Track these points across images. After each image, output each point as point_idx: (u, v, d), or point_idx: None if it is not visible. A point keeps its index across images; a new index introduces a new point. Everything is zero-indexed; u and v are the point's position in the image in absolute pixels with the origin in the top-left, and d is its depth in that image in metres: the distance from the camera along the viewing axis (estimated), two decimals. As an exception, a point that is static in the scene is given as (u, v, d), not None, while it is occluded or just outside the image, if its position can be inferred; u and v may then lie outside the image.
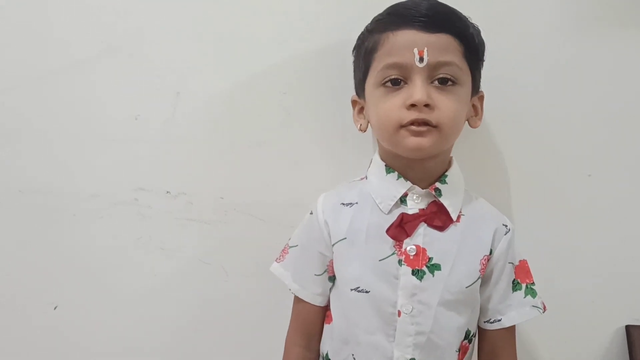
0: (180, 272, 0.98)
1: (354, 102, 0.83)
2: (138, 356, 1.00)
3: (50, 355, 1.00)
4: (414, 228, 0.76)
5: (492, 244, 0.79)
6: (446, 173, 0.79)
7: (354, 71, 0.82)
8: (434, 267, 0.76)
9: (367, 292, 0.77)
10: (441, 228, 0.77)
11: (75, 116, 0.96)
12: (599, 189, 0.96)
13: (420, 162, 0.77)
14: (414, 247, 0.76)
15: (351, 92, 0.84)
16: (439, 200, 0.77)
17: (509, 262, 0.80)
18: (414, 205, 0.78)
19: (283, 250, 0.86)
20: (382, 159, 0.81)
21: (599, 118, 0.95)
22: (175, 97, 0.95)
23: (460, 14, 0.76)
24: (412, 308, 0.75)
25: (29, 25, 0.95)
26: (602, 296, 0.97)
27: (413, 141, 0.73)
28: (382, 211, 0.78)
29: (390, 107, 0.73)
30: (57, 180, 0.97)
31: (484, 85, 0.82)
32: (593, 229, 0.97)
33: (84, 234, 0.98)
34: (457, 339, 0.77)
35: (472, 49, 0.76)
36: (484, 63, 0.82)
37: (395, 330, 0.76)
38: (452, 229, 0.77)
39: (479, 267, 0.78)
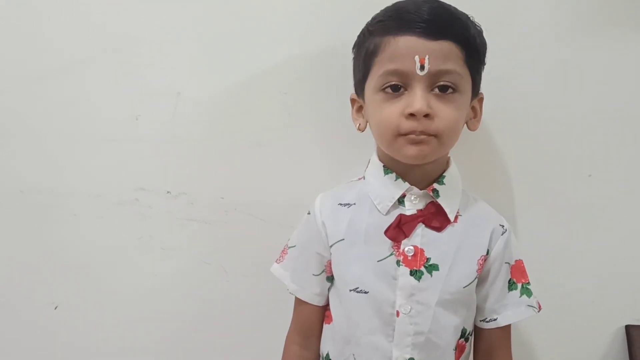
0: (180, 272, 0.99)
1: (352, 101, 0.83)
2: (138, 356, 1.00)
3: (50, 354, 1.00)
4: (412, 229, 0.77)
5: (489, 244, 0.79)
6: (444, 174, 0.79)
7: (354, 70, 0.82)
8: (432, 268, 0.76)
9: (366, 292, 0.77)
10: (439, 229, 0.77)
11: (75, 117, 0.96)
12: (599, 189, 0.96)
13: (418, 165, 0.77)
14: (412, 247, 0.76)
15: (352, 92, 0.84)
16: (437, 201, 0.78)
17: (506, 262, 0.80)
18: (411, 206, 0.78)
19: (282, 251, 0.86)
20: (380, 160, 0.81)
21: (598, 118, 0.95)
22: (175, 97, 0.95)
23: (462, 16, 0.76)
24: (411, 308, 0.76)
25: (30, 26, 0.95)
26: (602, 296, 0.97)
27: (412, 150, 0.73)
28: (380, 212, 0.78)
29: (389, 114, 0.73)
30: (57, 180, 0.97)
31: (483, 86, 0.82)
32: (593, 229, 0.97)
33: (85, 234, 0.98)
34: (454, 338, 0.78)
35: (474, 54, 0.76)
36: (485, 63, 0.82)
37: (394, 330, 0.76)
38: (449, 230, 0.78)
39: (476, 267, 0.78)
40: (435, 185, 0.78)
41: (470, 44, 0.75)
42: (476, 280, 0.79)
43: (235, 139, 0.96)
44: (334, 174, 0.94)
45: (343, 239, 0.79)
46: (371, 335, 0.77)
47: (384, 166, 0.80)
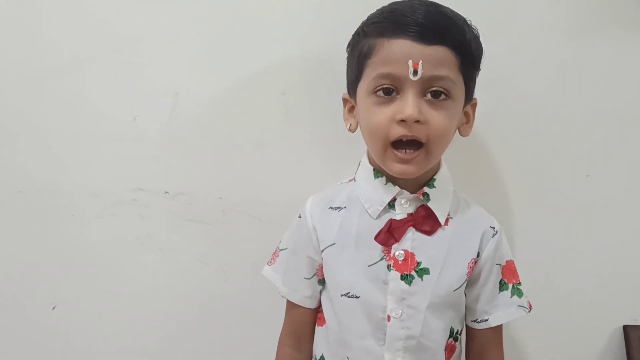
0: (178, 272, 0.99)
1: (344, 101, 0.83)
2: (136, 356, 1.00)
3: (49, 354, 1.01)
4: (403, 233, 0.76)
5: (480, 247, 0.79)
6: (434, 177, 0.79)
7: (347, 70, 0.81)
8: (423, 272, 0.76)
9: (357, 297, 0.77)
10: (429, 232, 0.77)
11: (74, 116, 0.96)
12: (597, 190, 0.96)
13: None
14: (402, 252, 0.76)
15: (344, 92, 0.83)
16: (427, 205, 0.77)
17: (497, 264, 0.80)
18: (402, 210, 0.77)
19: (274, 253, 0.86)
20: (371, 163, 0.80)
21: (597, 118, 0.95)
22: (174, 97, 0.95)
23: (458, 20, 0.74)
24: (402, 312, 0.76)
25: (29, 26, 0.95)
26: (599, 296, 0.98)
27: (399, 168, 0.73)
28: (370, 216, 0.78)
29: (380, 120, 0.72)
30: (56, 180, 0.97)
31: (483, 86, 0.82)
32: (591, 229, 0.97)
33: (83, 233, 0.98)
34: (443, 339, 0.78)
35: (469, 60, 0.74)
36: (482, 65, 0.80)
37: (386, 334, 0.76)
38: (440, 233, 0.78)
39: (467, 271, 0.78)
40: (426, 189, 0.78)
41: (466, 50, 0.73)
42: (466, 283, 0.79)
43: (233, 139, 0.96)
44: (332, 174, 0.93)
45: (334, 244, 0.79)
46: (363, 340, 0.77)
47: (374, 169, 0.79)
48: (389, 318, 0.76)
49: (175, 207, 0.97)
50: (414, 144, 0.72)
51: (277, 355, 0.87)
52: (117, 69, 0.95)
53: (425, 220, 0.77)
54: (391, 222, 0.77)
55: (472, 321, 0.83)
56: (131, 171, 0.97)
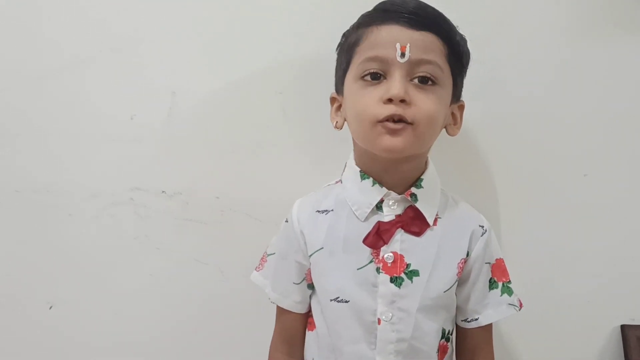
0: (176, 271, 0.98)
1: (332, 99, 0.82)
2: (134, 355, 0.99)
3: (46, 353, 1.00)
4: (391, 235, 0.75)
5: (469, 246, 0.78)
6: (422, 177, 0.78)
7: (336, 69, 0.81)
8: (413, 274, 0.75)
9: (346, 301, 0.76)
10: (418, 234, 0.76)
11: (71, 116, 0.96)
12: (595, 189, 0.96)
13: (395, 166, 0.76)
14: (391, 254, 0.75)
15: (332, 92, 0.83)
16: (415, 206, 0.77)
17: (486, 262, 0.80)
18: (390, 212, 0.77)
19: (262, 258, 0.86)
20: (357, 164, 0.79)
21: (595, 118, 0.95)
22: (170, 96, 0.95)
23: (448, 20, 0.76)
24: (392, 315, 0.75)
25: (26, 25, 0.95)
26: (597, 296, 0.98)
27: (387, 141, 0.71)
28: (358, 219, 0.77)
29: (367, 101, 0.72)
30: (53, 179, 0.97)
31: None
32: (589, 229, 0.97)
33: (80, 233, 0.98)
34: (436, 341, 0.77)
35: (456, 53, 0.75)
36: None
37: (377, 338, 0.75)
38: (429, 234, 0.77)
39: (457, 271, 0.77)
40: (413, 190, 0.77)
41: (454, 43, 0.74)
42: (456, 283, 0.78)
43: (231, 139, 0.96)
44: (330, 173, 0.93)
45: (322, 248, 0.78)
46: (354, 344, 0.76)
47: (360, 171, 0.78)
48: (379, 321, 0.75)
49: (172, 207, 0.97)
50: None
51: None
52: (115, 69, 0.95)
53: (414, 222, 0.76)
54: (379, 224, 0.76)
55: (462, 320, 0.82)
56: (129, 171, 0.97)
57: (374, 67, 0.72)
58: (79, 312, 0.99)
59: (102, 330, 1.00)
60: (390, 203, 0.77)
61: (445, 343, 0.80)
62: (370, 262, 0.76)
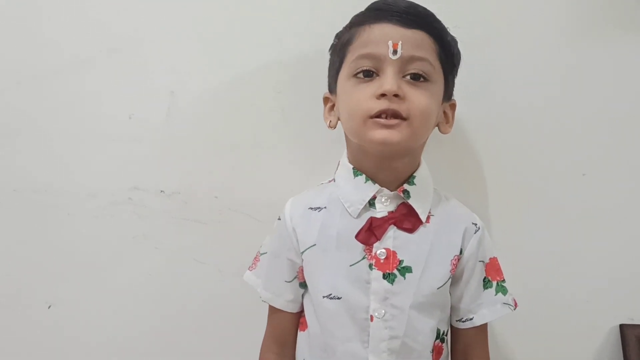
0: (174, 271, 0.98)
1: (325, 99, 0.83)
2: (133, 355, 0.99)
3: (46, 353, 1.00)
4: (384, 231, 0.75)
5: (462, 244, 0.78)
6: (414, 174, 0.78)
7: (329, 69, 0.82)
8: (405, 270, 0.75)
9: (339, 298, 0.76)
10: (411, 230, 0.76)
11: (70, 116, 0.96)
12: (595, 189, 0.96)
13: (388, 162, 0.76)
14: (384, 250, 0.75)
15: (325, 92, 0.84)
16: (408, 202, 0.77)
17: (480, 261, 0.80)
18: (382, 208, 0.77)
19: (255, 257, 0.86)
20: (350, 162, 0.80)
21: (594, 118, 0.95)
22: (169, 96, 0.95)
23: (439, 20, 0.77)
24: (385, 312, 0.75)
25: (26, 25, 0.95)
26: (596, 295, 0.97)
27: (381, 134, 0.71)
28: (351, 215, 0.77)
29: (360, 97, 0.72)
30: (51, 179, 0.97)
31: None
32: (588, 229, 0.97)
33: (79, 233, 0.98)
34: (430, 341, 0.77)
35: (448, 51, 0.76)
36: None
37: (369, 336, 0.75)
38: (422, 231, 0.77)
39: (450, 268, 0.77)
40: (406, 186, 0.77)
41: (444, 42, 0.75)
42: (450, 280, 0.78)
43: (230, 138, 0.96)
44: (329, 173, 0.94)
45: (314, 245, 0.78)
46: (346, 343, 0.76)
47: (353, 168, 0.79)
48: (371, 318, 0.75)
49: (171, 207, 0.97)
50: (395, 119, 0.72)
51: None
52: (114, 69, 0.95)
53: (407, 218, 0.76)
54: (372, 220, 0.76)
55: (456, 321, 0.81)
56: (127, 170, 0.97)
57: (366, 65, 0.73)
58: (78, 311, 0.99)
59: (101, 330, 0.99)
60: (383, 200, 0.77)
61: (440, 344, 0.79)
62: (363, 258, 0.76)
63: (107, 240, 0.98)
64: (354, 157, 0.80)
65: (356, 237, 0.76)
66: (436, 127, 0.81)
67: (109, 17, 0.95)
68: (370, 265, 0.75)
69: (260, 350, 0.86)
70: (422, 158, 0.81)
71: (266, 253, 0.84)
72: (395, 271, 0.75)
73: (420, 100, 0.72)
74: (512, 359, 0.99)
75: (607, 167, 0.96)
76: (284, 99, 0.95)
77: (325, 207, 0.79)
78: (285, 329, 0.84)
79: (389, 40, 0.71)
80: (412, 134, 0.72)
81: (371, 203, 0.77)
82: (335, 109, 0.81)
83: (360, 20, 0.76)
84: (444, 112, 0.80)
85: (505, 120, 0.95)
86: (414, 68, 0.72)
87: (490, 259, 0.81)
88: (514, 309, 0.81)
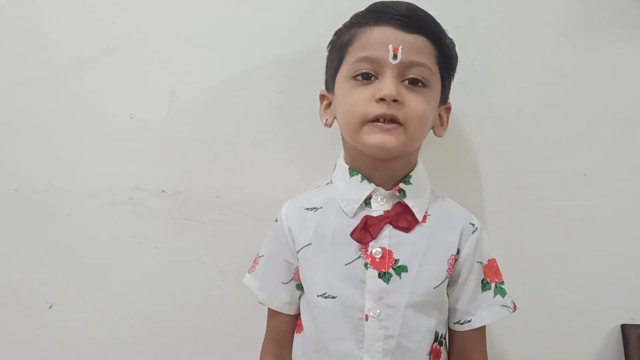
0: (175, 271, 0.98)
1: (322, 97, 0.83)
2: (133, 354, 0.99)
3: (46, 352, 1.00)
4: (379, 230, 0.75)
5: (459, 244, 0.78)
6: (410, 174, 0.78)
7: (327, 66, 0.82)
8: (401, 269, 0.75)
9: (334, 297, 0.75)
10: (407, 229, 0.76)
11: (71, 115, 0.96)
12: (595, 189, 0.96)
13: (384, 163, 0.76)
14: (379, 249, 0.75)
15: (322, 89, 0.84)
16: (404, 201, 0.77)
17: (477, 262, 0.79)
18: (378, 207, 0.77)
19: (254, 261, 0.86)
20: (346, 162, 0.80)
21: (595, 118, 0.95)
22: (170, 96, 0.95)
23: (438, 23, 0.77)
24: (380, 312, 0.74)
25: (27, 25, 0.95)
26: (597, 295, 0.97)
27: (377, 138, 0.71)
28: (347, 215, 0.77)
29: (358, 100, 0.73)
30: (52, 179, 0.97)
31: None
32: (589, 228, 0.97)
33: (79, 232, 0.98)
34: (427, 342, 0.76)
35: (446, 56, 0.76)
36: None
37: (364, 335, 0.75)
38: (418, 230, 0.76)
39: (447, 267, 0.77)
40: (402, 185, 0.77)
41: (444, 46, 0.75)
42: (447, 280, 0.77)
43: (230, 138, 0.96)
44: (328, 173, 0.94)
45: (310, 244, 0.78)
46: (341, 342, 0.75)
47: (349, 168, 0.79)
48: (366, 318, 0.74)
49: (172, 206, 0.97)
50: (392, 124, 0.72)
51: None
52: (115, 69, 0.95)
53: (402, 217, 0.76)
54: (367, 218, 0.76)
55: (454, 323, 0.81)
56: (128, 170, 0.97)
57: (365, 68, 0.73)
58: (78, 311, 0.99)
59: (101, 329, 0.99)
60: (379, 199, 0.77)
61: (438, 347, 0.78)
62: (359, 257, 0.76)
63: (108, 240, 0.98)
64: (350, 157, 0.80)
65: (351, 235, 0.75)
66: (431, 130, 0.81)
67: (110, 17, 0.95)
68: (365, 264, 0.75)
69: (261, 351, 0.87)
70: (419, 158, 0.81)
71: (264, 256, 0.84)
72: (391, 270, 0.75)
73: (417, 105, 0.72)
74: (513, 358, 0.99)
75: (608, 166, 0.96)
76: (284, 98, 0.95)
77: (321, 207, 0.80)
78: (282, 331, 0.84)
79: (390, 44, 0.71)
80: (408, 139, 0.73)
81: (367, 202, 0.77)
82: (331, 107, 0.81)
83: (361, 21, 0.76)
84: (439, 115, 0.80)
85: (505, 120, 0.95)
86: (413, 73, 0.73)
87: (488, 260, 0.80)
88: (513, 312, 0.81)
